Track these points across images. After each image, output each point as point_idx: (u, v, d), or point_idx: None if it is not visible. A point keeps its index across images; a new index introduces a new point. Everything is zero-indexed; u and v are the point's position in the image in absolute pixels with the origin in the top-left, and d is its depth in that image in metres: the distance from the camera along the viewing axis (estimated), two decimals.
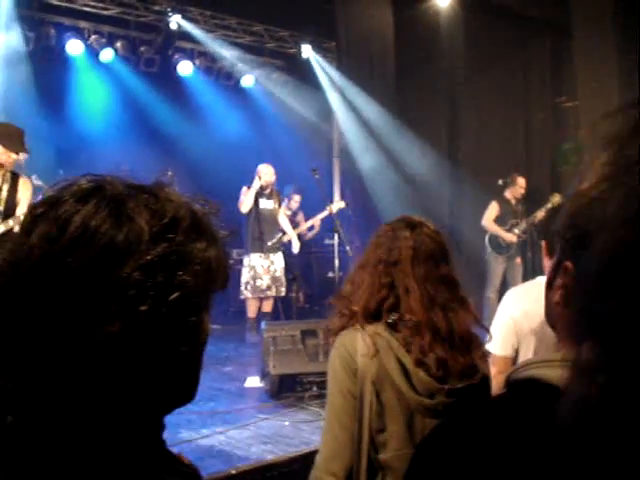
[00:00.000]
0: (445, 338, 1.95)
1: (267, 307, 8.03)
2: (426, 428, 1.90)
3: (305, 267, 9.69)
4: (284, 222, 8.17)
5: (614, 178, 0.83)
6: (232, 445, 4.34)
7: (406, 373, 1.92)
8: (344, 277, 9.10)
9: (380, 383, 1.92)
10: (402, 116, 10.02)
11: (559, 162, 10.59)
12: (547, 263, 2.29)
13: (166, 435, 0.93)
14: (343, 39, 10.59)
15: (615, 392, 0.70)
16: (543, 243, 2.49)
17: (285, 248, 8.21)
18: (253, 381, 5.87)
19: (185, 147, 9.53)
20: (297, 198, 9.32)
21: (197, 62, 10.06)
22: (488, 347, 2.95)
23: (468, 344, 2.00)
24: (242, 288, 7.82)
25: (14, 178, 5.27)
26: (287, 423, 4.83)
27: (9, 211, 5.19)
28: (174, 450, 0.95)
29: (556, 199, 8.21)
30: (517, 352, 2.78)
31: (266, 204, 7.94)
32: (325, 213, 8.39)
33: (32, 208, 0.83)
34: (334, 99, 10.69)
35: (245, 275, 7.84)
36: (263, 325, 5.83)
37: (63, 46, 8.91)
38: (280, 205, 8.13)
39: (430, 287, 1.99)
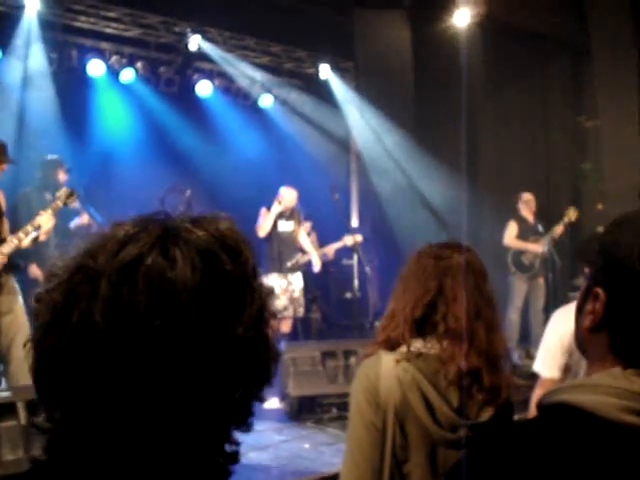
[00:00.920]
0: (482, 352, 1.96)
1: (285, 327, 7.99)
2: (448, 459, 1.91)
3: (323, 287, 9.66)
4: (305, 241, 8.13)
5: None
6: (252, 467, 4.33)
7: (430, 407, 1.91)
8: (363, 297, 9.09)
9: (403, 415, 1.91)
10: (420, 136, 10.02)
11: (579, 182, 10.56)
12: None
13: None
14: (361, 59, 10.63)
15: None
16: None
17: (305, 268, 8.19)
18: (272, 402, 5.85)
19: (204, 166, 9.56)
20: (307, 225, 9.23)
21: (216, 82, 10.13)
22: (535, 367, 2.90)
23: (499, 366, 2.01)
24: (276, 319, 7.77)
25: None
26: (307, 445, 4.80)
27: None
28: None
29: (572, 213, 8.17)
30: (565, 374, 2.72)
31: (285, 226, 7.90)
32: (339, 244, 8.36)
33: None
34: (352, 119, 10.72)
35: None
36: (283, 346, 5.82)
37: (85, 67, 9.01)
38: (300, 225, 8.09)
39: (477, 300, 2.00)
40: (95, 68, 9.04)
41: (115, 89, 9.47)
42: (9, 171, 5.32)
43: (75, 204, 5.84)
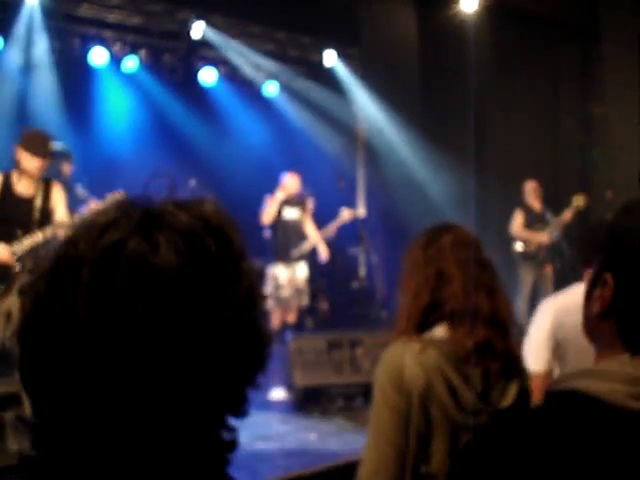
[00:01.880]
0: (489, 320, 1.99)
1: (291, 318, 7.97)
2: None
3: (329, 277, 9.65)
4: (311, 230, 8.09)
5: None
6: (258, 457, 4.33)
7: (453, 392, 1.94)
8: (369, 287, 9.08)
9: (427, 400, 1.93)
10: (427, 123, 9.98)
11: (589, 169, 10.50)
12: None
13: None
14: (366, 45, 10.58)
15: None
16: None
17: (310, 258, 8.16)
18: (278, 392, 5.84)
19: (208, 155, 9.55)
20: (310, 202, 9.10)
21: (220, 70, 10.11)
22: None
23: (507, 329, 2.04)
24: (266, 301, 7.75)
25: (47, 185, 5.25)
26: (313, 436, 4.79)
27: (44, 219, 5.17)
28: None
29: (580, 200, 8.14)
30: (552, 367, 2.70)
31: (290, 213, 7.86)
32: (338, 222, 8.29)
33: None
34: (358, 106, 10.67)
35: (268, 286, 7.80)
36: (288, 336, 5.81)
37: (87, 55, 9.01)
38: (306, 212, 8.04)
39: (474, 270, 2.03)
40: (98, 56, 9.03)
41: (118, 77, 9.46)
42: (7, 159, 5.27)
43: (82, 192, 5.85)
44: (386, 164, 10.16)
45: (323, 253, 8.07)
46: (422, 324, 2.03)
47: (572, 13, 9.62)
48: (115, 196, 5.39)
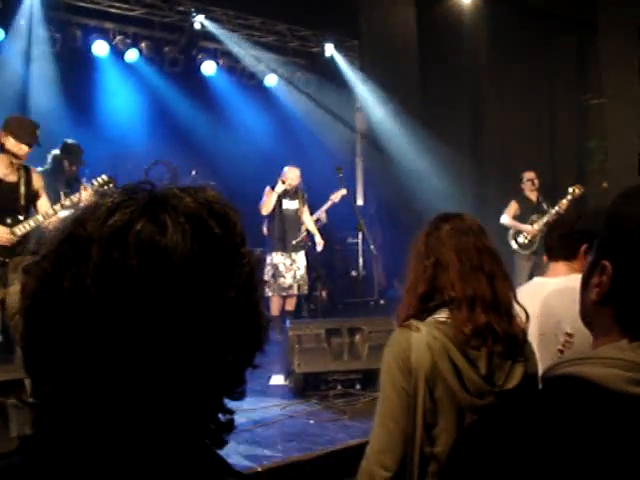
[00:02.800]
0: (489, 304, 2.02)
1: (290, 305, 8.05)
2: None
3: (328, 266, 9.69)
4: (308, 221, 8.17)
5: None
6: (257, 443, 4.36)
7: (459, 374, 1.97)
8: (367, 276, 9.12)
9: (433, 381, 1.97)
10: (425, 114, 10.00)
11: (584, 160, 10.51)
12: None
13: None
14: (366, 37, 10.60)
15: None
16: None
17: (309, 246, 8.22)
18: (278, 379, 5.88)
19: (209, 145, 9.55)
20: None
21: (221, 62, 10.11)
22: None
23: (511, 314, 2.06)
24: (265, 286, 7.82)
25: (27, 172, 5.31)
26: (312, 421, 4.84)
27: (28, 205, 5.24)
28: None
29: (576, 189, 8.14)
30: None
31: (289, 204, 7.94)
32: (328, 204, 8.37)
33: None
34: (357, 97, 10.69)
35: (267, 273, 7.86)
36: (288, 324, 5.84)
37: (89, 47, 9.00)
38: (304, 204, 8.12)
39: (474, 256, 2.06)
40: (99, 48, 9.03)
41: (119, 69, 9.45)
42: None
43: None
44: (385, 154, 10.19)
45: (319, 243, 8.14)
46: (422, 311, 2.07)
47: (569, 5, 9.61)
48: (102, 180, 5.46)
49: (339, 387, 5.40)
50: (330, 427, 4.72)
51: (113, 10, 9.07)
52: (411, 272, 2.13)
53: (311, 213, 8.29)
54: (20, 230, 5.07)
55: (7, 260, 4.98)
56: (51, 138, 6.57)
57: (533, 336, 2.61)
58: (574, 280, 2.11)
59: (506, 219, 8.41)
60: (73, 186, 6.48)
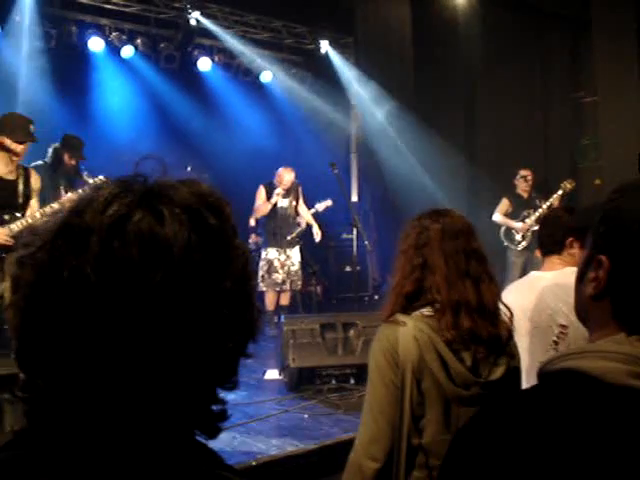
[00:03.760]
0: (475, 309, 2.05)
1: (284, 300, 8.07)
2: (461, 415, 2.02)
3: (323, 261, 9.72)
4: (305, 213, 8.19)
5: None
6: (252, 437, 4.38)
7: (445, 366, 2.01)
8: (362, 271, 9.14)
9: (420, 373, 2.01)
10: (419, 111, 10.01)
11: (578, 158, 10.54)
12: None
13: None
14: (361, 34, 10.60)
15: None
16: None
17: (304, 242, 8.25)
18: (272, 374, 5.91)
19: (204, 142, 9.55)
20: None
21: (216, 58, 10.10)
22: None
23: (496, 316, 2.10)
24: (259, 281, 7.86)
25: (26, 171, 5.33)
26: (306, 416, 4.87)
27: (25, 203, 5.27)
28: None
29: (568, 184, 8.15)
30: None
31: (283, 202, 7.98)
32: (312, 211, 8.36)
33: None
34: (352, 94, 10.71)
35: (262, 268, 7.89)
36: (282, 318, 5.88)
37: (84, 43, 8.99)
38: (298, 201, 8.15)
39: (461, 260, 2.08)
40: (95, 44, 9.02)
41: (115, 65, 9.44)
42: None
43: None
44: (379, 151, 10.20)
45: (317, 233, 8.16)
46: (406, 308, 2.10)
47: (563, 3, 9.63)
48: (99, 181, 5.48)
49: (333, 382, 5.43)
50: (324, 421, 4.74)
51: (109, 6, 9.06)
52: (398, 271, 2.15)
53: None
54: (17, 227, 5.10)
55: (4, 255, 5.02)
56: (46, 134, 6.56)
57: (527, 328, 2.67)
58: (569, 274, 2.15)
59: (497, 217, 8.44)
60: (73, 180, 6.50)
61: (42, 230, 0.82)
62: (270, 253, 7.90)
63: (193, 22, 9.39)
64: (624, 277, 0.95)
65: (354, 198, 11.01)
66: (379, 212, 10.35)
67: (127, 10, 9.20)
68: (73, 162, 6.71)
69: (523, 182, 8.46)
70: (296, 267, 8.01)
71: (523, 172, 8.52)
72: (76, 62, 9.10)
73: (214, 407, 0.86)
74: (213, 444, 0.88)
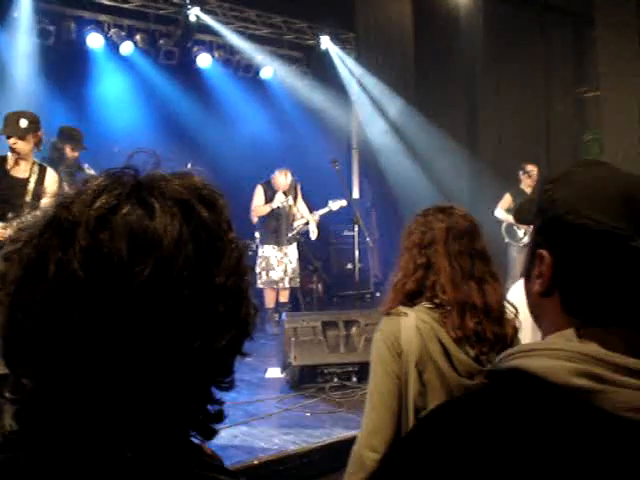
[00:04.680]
0: (480, 310, 2.04)
1: (283, 297, 8.05)
2: None
3: (324, 258, 9.71)
4: (303, 210, 8.17)
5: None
6: (254, 435, 4.37)
7: (448, 355, 2.01)
8: (363, 268, 9.12)
9: (423, 364, 2.01)
10: (421, 107, 9.99)
11: (580, 153, 10.52)
12: None
13: None
14: (362, 30, 10.57)
15: None
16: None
17: (303, 239, 8.22)
18: (274, 372, 5.90)
19: (204, 138, 9.54)
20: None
21: (216, 54, 10.07)
22: None
23: (501, 315, 2.09)
24: (256, 278, 7.83)
25: (41, 169, 5.28)
26: (308, 414, 4.85)
27: (36, 202, 5.22)
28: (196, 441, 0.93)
29: None
30: None
31: (282, 200, 7.96)
32: (326, 210, 8.32)
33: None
34: (353, 90, 10.67)
35: (259, 265, 7.86)
36: (284, 316, 5.86)
37: (83, 40, 8.95)
38: (296, 199, 8.12)
39: (466, 262, 2.07)
40: (94, 41, 8.99)
41: (114, 62, 9.42)
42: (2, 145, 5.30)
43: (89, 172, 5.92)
44: (381, 147, 10.18)
45: (313, 232, 8.13)
46: (405, 305, 2.09)
47: None
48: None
49: (335, 379, 5.42)
50: (327, 419, 4.73)
51: (108, 2, 9.02)
52: (401, 269, 2.14)
53: (310, 210, 8.30)
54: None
55: None
56: (45, 131, 6.53)
57: (531, 323, 2.63)
58: None
59: (500, 212, 8.43)
60: (75, 174, 6.46)
61: (30, 225, 0.80)
62: (267, 250, 7.87)
63: (193, 18, 9.35)
64: (567, 270, 0.92)
65: (355, 195, 10.98)
66: (380, 209, 10.32)
67: (126, 6, 9.16)
68: (76, 154, 6.68)
69: (527, 178, 8.44)
70: (294, 264, 7.98)
71: (529, 167, 8.50)
72: (75, 58, 9.07)
73: (210, 407, 0.84)
74: (215, 443, 0.86)
